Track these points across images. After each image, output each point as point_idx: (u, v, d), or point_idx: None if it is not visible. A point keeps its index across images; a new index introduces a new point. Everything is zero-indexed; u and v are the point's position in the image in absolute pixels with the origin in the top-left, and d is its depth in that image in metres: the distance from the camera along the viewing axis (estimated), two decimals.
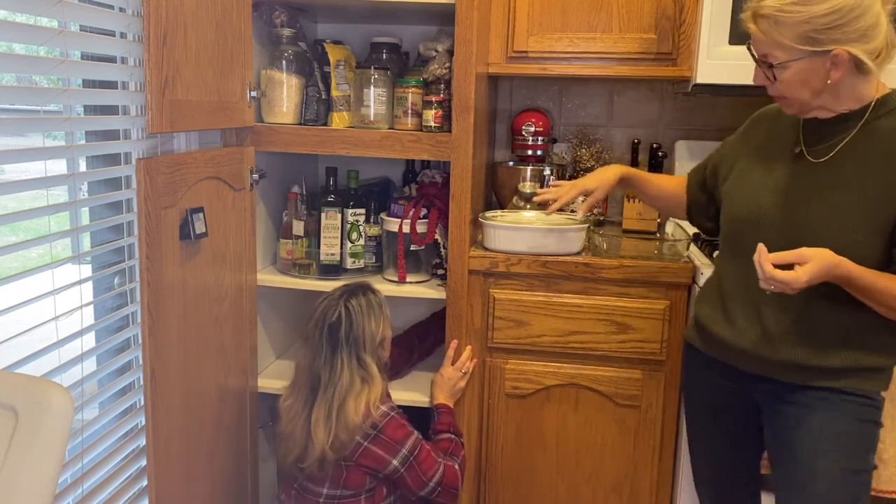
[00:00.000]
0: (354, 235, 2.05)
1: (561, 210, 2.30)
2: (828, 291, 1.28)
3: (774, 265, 1.21)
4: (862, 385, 1.34)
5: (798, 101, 1.32)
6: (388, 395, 1.79)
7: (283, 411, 1.72)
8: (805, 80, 1.28)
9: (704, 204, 1.65)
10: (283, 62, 1.99)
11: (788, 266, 1.22)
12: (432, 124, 1.94)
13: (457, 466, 1.76)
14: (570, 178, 2.36)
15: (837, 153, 1.32)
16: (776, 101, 1.39)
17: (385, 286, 2.02)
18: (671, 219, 2.25)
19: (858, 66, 1.25)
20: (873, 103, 1.30)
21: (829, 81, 1.26)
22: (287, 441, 1.69)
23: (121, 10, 1.57)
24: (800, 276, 1.20)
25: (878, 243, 1.27)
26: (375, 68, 1.97)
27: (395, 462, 1.66)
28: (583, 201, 1.72)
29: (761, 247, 1.23)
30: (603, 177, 1.70)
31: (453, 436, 1.85)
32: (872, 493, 1.75)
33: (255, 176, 1.91)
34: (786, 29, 1.24)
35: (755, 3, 1.28)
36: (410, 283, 2.03)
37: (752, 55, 1.34)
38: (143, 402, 1.51)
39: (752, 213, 1.40)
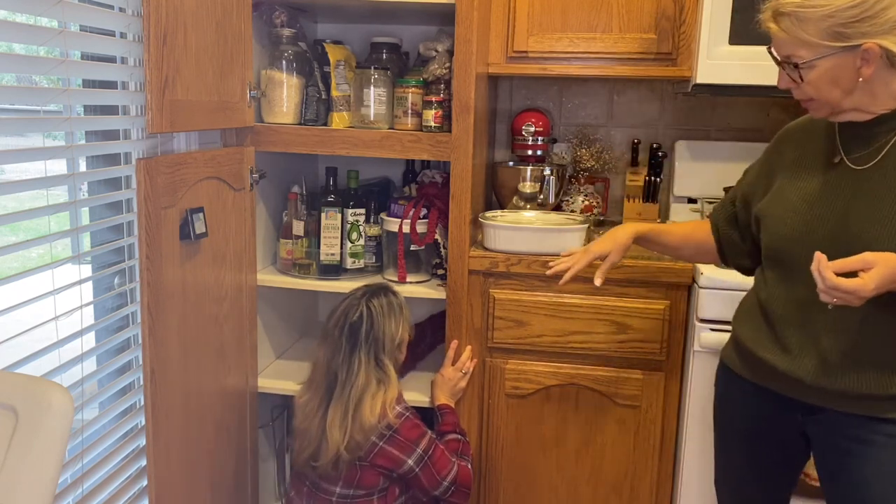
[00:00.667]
0: (354, 235, 2.05)
1: (560, 209, 2.32)
2: (892, 310, 1.21)
3: (836, 274, 1.09)
4: None
5: (828, 102, 1.24)
6: (401, 396, 1.79)
7: (298, 407, 1.74)
8: (834, 78, 1.19)
9: (738, 241, 1.50)
10: (283, 62, 1.99)
11: (851, 274, 1.10)
12: (432, 124, 1.94)
13: (469, 466, 1.77)
14: (570, 178, 2.37)
15: (882, 158, 1.22)
16: (803, 105, 1.29)
17: None
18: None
19: (892, 61, 1.16)
20: None
21: (860, 79, 1.18)
22: (302, 438, 1.71)
23: (121, 10, 1.57)
24: (867, 284, 1.08)
25: None
26: (375, 68, 1.97)
27: (409, 462, 1.66)
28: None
29: (820, 255, 1.10)
30: (616, 239, 1.56)
31: (459, 436, 1.85)
32: None
33: (255, 176, 1.91)
34: (809, 25, 1.16)
35: (775, 2, 1.21)
36: (410, 283, 2.03)
37: (774, 57, 1.25)
38: (143, 402, 1.51)
39: (798, 230, 1.29)
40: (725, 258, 1.55)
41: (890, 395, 1.24)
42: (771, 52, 1.26)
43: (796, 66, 1.21)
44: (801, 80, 1.22)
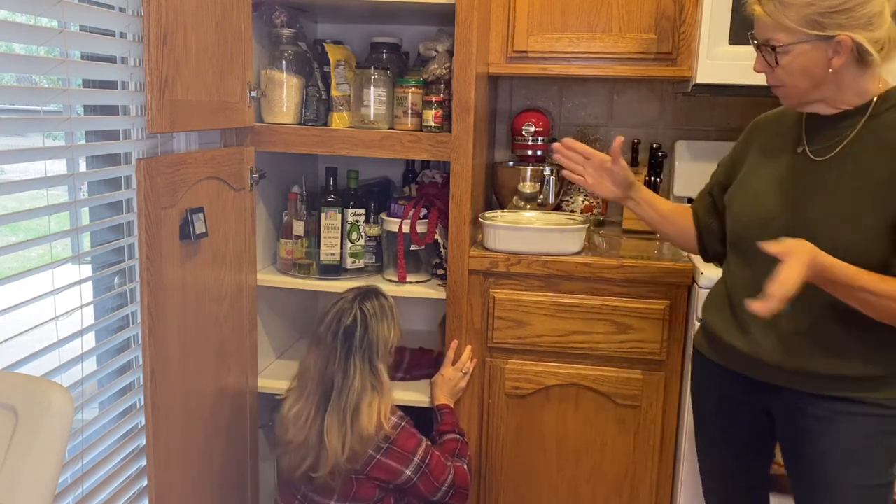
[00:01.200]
0: (354, 235, 2.05)
1: (560, 209, 2.32)
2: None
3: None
4: (883, 395, 1.30)
5: (797, 90, 1.30)
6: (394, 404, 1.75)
7: (290, 419, 1.64)
8: (806, 66, 1.26)
9: (716, 230, 1.55)
10: (283, 62, 1.99)
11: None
12: (432, 124, 1.94)
13: (466, 467, 1.77)
14: None
15: (841, 150, 1.30)
16: (774, 91, 1.35)
17: (385, 286, 2.02)
18: None
19: (861, 56, 1.23)
20: (875, 99, 1.28)
21: (830, 70, 1.24)
22: (298, 450, 1.62)
23: (121, 10, 1.57)
24: (791, 276, 1.14)
25: (885, 239, 1.24)
26: (375, 68, 1.97)
27: (407, 472, 1.65)
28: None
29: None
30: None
31: (458, 436, 1.85)
32: None
33: (255, 176, 1.91)
34: (791, 11, 1.23)
35: None
36: (410, 283, 2.03)
37: (754, 43, 1.32)
38: (143, 402, 1.51)
39: (759, 216, 1.37)
40: (703, 244, 1.59)
41: (842, 375, 1.30)
42: (752, 39, 1.32)
43: (773, 48, 1.27)
44: (776, 63, 1.28)
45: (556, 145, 1.61)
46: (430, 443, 1.73)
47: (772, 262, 1.30)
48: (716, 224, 1.55)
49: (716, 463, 1.61)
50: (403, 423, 1.68)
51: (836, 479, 1.33)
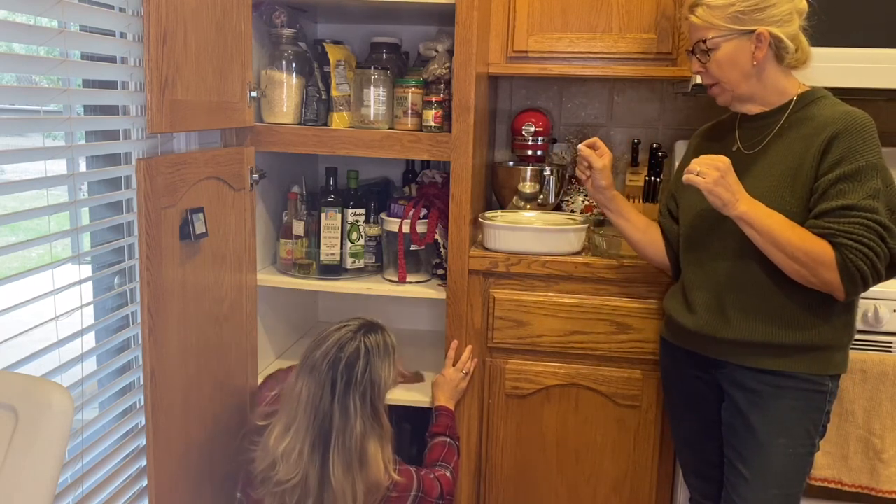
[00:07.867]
0: (354, 235, 2.05)
1: (560, 209, 2.32)
2: (779, 271, 1.44)
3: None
4: (811, 368, 1.48)
5: (729, 83, 1.50)
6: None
7: (279, 456, 1.50)
8: (734, 59, 1.47)
9: (678, 230, 1.70)
10: (283, 62, 1.99)
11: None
12: (432, 124, 1.94)
13: (449, 474, 1.75)
14: (571, 178, 2.37)
15: (766, 144, 1.52)
16: (710, 92, 1.56)
17: (385, 286, 2.02)
18: None
19: (778, 51, 1.46)
20: (795, 98, 1.50)
21: (754, 63, 1.47)
22: (292, 492, 1.50)
23: (121, 10, 1.57)
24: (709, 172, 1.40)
25: (802, 216, 1.43)
26: (375, 68, 1.98)
27: None
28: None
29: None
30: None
31: (449, 439, 1.84)
32: (873, 493, 1.80)
33: (255, 176, 1.91)
34: (718, 11, 1.46)
35: (691, 0, 1.52)
36: (410, 283, 2.03)
37: (690, 51, 1.54)
38: (143, 402, 1.51)
39: (704, 209, 1.54)
40: (674, 253, 1.72)
41: (774, 344, 1.47)
42: (689, 51, 1.54)
43: (705, 41, 1.48)
44: (709, 58, 1.49)
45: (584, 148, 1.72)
46: (417, 469, 1.68)
47: (713, 245, 1.55)
48: (676, 227, 1.71)
49: (691, 447, 1.75)
50: (401, 468, 1.62)
51: (766, 446, 1.50)
